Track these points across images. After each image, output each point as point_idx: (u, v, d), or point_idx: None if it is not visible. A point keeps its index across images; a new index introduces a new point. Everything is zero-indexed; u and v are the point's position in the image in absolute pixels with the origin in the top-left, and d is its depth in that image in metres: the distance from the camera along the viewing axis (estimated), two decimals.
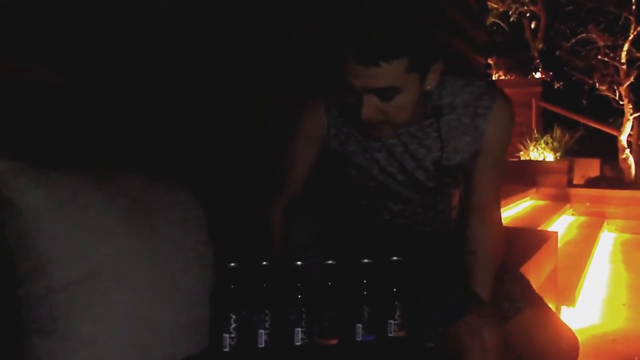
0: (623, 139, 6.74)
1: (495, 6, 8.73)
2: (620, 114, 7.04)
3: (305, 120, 1.29)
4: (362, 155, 1.25)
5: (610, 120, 7.65)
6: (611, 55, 6.98)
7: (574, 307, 3.05)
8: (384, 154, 1.23)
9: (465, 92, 1.19)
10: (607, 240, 5.30)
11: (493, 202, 1.26)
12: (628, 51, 6.83)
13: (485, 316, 1.12)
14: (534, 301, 1.31)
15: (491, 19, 8.69)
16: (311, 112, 1.28)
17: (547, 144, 6.52)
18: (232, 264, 1.06)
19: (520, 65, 8.77)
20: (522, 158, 6.66)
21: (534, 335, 1.25)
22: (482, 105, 1.18)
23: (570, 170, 6.25)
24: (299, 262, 1.08)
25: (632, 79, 6.79)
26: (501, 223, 1.30)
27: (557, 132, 6.55)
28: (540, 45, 9.04)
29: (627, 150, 6.73)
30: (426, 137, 1.21)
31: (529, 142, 6.66)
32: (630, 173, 6.67)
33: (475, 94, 1.19)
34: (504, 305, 1.27)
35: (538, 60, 8.89)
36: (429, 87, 1.11)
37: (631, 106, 6.73)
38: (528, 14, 9.14)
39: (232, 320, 1.04)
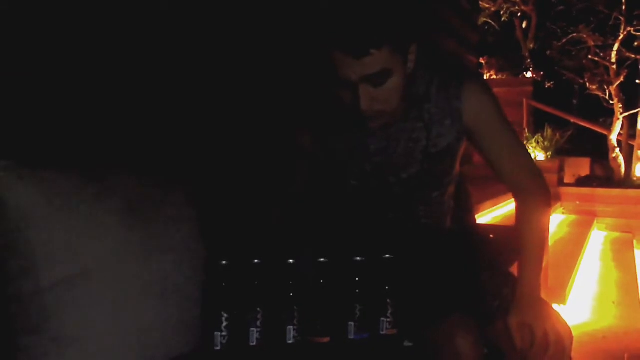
0: (613, 138, 6.79)
1: (487, 6, 8.77)
2: (610, 113, 7.10)
3: (297, 150, 1.34)
4: (355, 165, 1.28)
5: (601, 119, 7.70)
6: (601, 55, 7.03)
7: (564, 305, 3.07)
8: (373, 165, 1.27)
9: (436, 81, 1.25)
10: (597, 238, 5.33)
11: (526, 178, 1.26)
12: (618, 51, 6.88)
13: (462, 325, 1.10)
14: None
15: (483, 19, 8.72)
16: (299, 147, 1.33)
17: (538, 143, 6.54)
18: (224, 262, 1.06)
19: (512, 65, 8.78)
20: None
21: None
22: (453, 87, 1.24)
23: (561, 169, 6.27)
24: (290, 260, 1.08)
25: (622, 79, 6.84)
26: (542, 195, 1.27)
27: (548, 131, 6.57)
28: (532, 45, 9.08)
29: (617, 150, 6.78)
30: (413, 130, 1.25)
31: None
32: (620, 172, 6.71)
33: (445, 79, 1.24)
34: (494, 303, 1.26)
35: (529, 60, 8.92)
36: (410, 66, 1.15)
37: (621, 105, 6.78)
38: (519, 14, 9.17)
39: (223, 318, 1.04)
